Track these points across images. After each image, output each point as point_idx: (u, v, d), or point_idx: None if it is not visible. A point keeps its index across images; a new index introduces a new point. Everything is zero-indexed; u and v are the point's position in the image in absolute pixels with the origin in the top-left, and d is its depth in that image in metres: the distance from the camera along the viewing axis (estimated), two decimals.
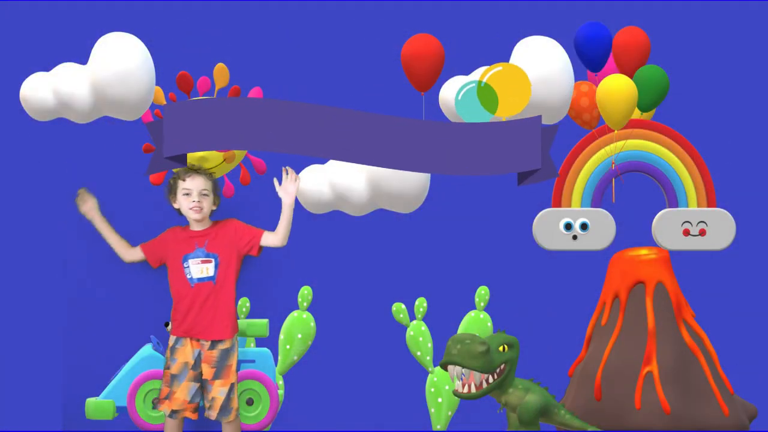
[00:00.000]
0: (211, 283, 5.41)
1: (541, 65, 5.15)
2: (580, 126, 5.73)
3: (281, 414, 5.83)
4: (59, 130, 5.56)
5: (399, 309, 5.88)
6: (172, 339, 5.46)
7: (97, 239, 6.10)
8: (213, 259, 5.43)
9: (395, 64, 5.37)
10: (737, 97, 6.36)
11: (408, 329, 5.88)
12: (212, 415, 5.40)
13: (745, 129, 6.37)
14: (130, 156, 5.66)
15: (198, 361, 5.38)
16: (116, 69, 5.05)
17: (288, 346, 5.89)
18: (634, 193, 5.80)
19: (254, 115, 5.02)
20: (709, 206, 5.71)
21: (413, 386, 5.95)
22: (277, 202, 5.62)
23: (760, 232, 6.27)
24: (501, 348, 5.14)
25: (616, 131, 5.58)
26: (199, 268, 5.42)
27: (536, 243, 5.73)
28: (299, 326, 5.89)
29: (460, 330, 5.91)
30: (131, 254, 5.59)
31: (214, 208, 5.49)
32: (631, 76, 5.48)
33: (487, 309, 5.93)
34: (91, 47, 5.13)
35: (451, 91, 5.27)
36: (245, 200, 5.78)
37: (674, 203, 5.72)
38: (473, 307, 5.93)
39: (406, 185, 5.41)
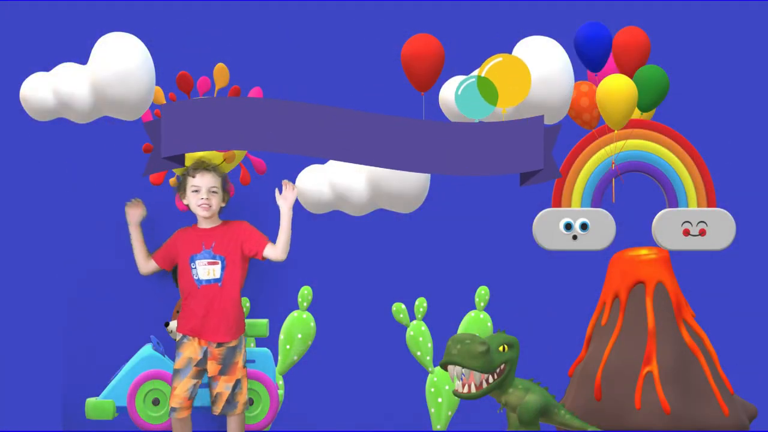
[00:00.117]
0: (217, 285, 5.40)
1: (541, 65, 5.15)
2: (580, 126, 5.73)
3: (281, 414, 5.83)
4: (59, 130, 5.56)
5: (399, 309, 5.88)
6: (178, 334, 5.45)
7: (97, 239, 6.11)
8: (220, 261, 5.42)
9: (395, 64, 5.37)
10: (737, 97, 6.36)
11: (408, 329, 5.88)
12: (216, 410, 5.41)
13: (745, 129, 6.38)
14: (130, 156, 5.67)
15: (204, 358, 5.37)
16: (116, 69, 5.04)
17: (288, 346, 5.89)
18: (634, 193, 5.80)
19: (254, 115, 5.02)
20: (709, 206, 5.71)
21: (413, 386, 5.95)
22: (276, 202, 5.63)
23: (760, 232, 6.27)
24: (501, 348, 5.14)
25: (616, 131, 5.58)
26: (205, 270, 5.41)
27: (536, 243, 5.73)
28: (299, 326, 5.89)
29: (460, 330, 5.91)
30: (148, 267, 5.60)
31: (223, 205, 5.50)
32: (631, 76, 5.48)
33: (487, 309, 5.93)
34: (91, 47, 5.13)
35: (451, 91, 5.27)
36: (245, 200, 5.79)
37: (674, 203, 5.72)
38: (473, 307, 5.93)
39: (406, 185, 5.41)
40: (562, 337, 6.05)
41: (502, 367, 5.15)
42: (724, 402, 5.50)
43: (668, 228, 5.69)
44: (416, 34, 5.37)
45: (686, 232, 5.68)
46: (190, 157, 5.40)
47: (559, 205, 5.74)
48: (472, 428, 5.98)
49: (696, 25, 6.35)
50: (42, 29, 5.99)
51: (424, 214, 5.67)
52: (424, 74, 5.33)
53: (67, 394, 5.94)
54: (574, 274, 6.13)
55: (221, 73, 5.51)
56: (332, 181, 5.47)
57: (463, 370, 5.07)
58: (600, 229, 5.69)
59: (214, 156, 5.50)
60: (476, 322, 5.90)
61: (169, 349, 5.73)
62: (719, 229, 5.68)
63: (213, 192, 5.41)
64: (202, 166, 5.39)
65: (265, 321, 5.91)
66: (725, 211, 5.69)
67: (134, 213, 5.62)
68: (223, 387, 5.39)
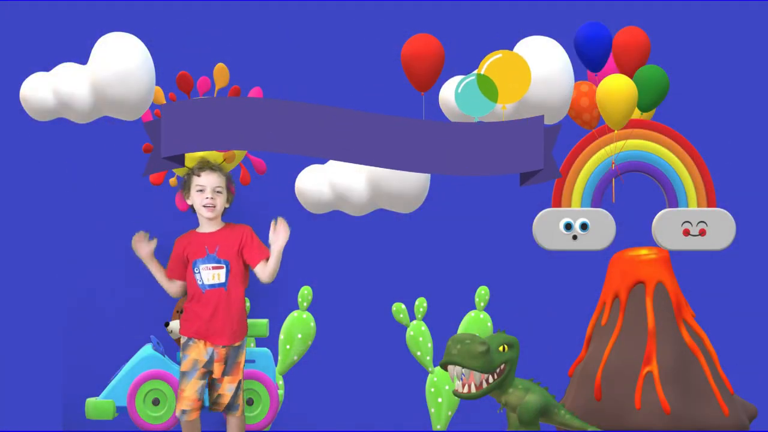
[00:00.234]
0: (222, 290, 5.36)
1: (541, 65, 5.15)
2: (580, 126, 5.73)
3: (281, 414, 5.83)
4: (59, 130, 5.56)
5: (399, 309, 5.87)
6: (183, 337, 5.41)
7: (97, 239, 6.11)
8: (224, 266, 5.38)
9: (395, 64, 5.37)
10: (737, 97, 6.36)
11: (408, 329, 5.87)
12: (218, 408, 5.39)
13: (745, 129, 6.38)
14: (130, 156, 5.67)
15: (211, 360, 5.35)
16: (116, 69, 5.04)
17: (288, 346, 5.89)
18: (634, 193, 5.80)
19: (254, 115, 5.02)
20: (709, 206, 5.71)
21: (413, 386, 5.95)
22: (277, 202, 5.63)
23: (760, 232, 6.27)
24: (501, 348, 5.14)
25: (616, 131, 5.58)
26: (210, 274, 5.37)
27: (536, 243, 5.73)
28: (299, 326, 5.89)
29: (460, 330, 5.90)
30: (175, 287, 5.49)
31: (227, 206, 5.46)
32: (631, 76, 5.48)
33: (487, 309, 5.93)
34: (91, 47, 5.13)
35: (451, 91, 5.27)
36: (245, 200, 5.78)
37: (674, 203, 5.72)
38: (473, 307, 5.93)
39: (406, 185, 5.41)
40: (562, 337, 6.05)
41: (502, 367, 5.15)
42: (724, 402, 5.50)
43: (668, 228, 5.69)
44: (416, 34, 5.37)
45: (686, 232, 5.68)
46: (190, 157, 5.39)
47: (559, 205, 5.74)
48: (472, 428, 5.98)
49: (696, 25, 6.35)
50: (42, 29, 5.99)
51: (424, 214, 5.67)
52: (424, 74, 5.33)
53: (67, 394, 5.94)
54: (574, 274, 6.14)
55: (221, 73, 5.51)
56: (332, 181, 5.47)
57: (463, 370, 5.07)
58: (600, 229, 5.69)
59: (214, 156, 5.50)
60: (476, 322, 5.90)
61: (169, 349, 5.73)
62: (719, 229, 5.68)
63: (218, 192, 5.38)
64: (207, 166, 5.37)
65: (265, 321, 5.91)
66: (725, 211, 5.69)
67: (142, 247, 5.52)
68: (226, 388, 5.37)
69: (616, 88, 5.38)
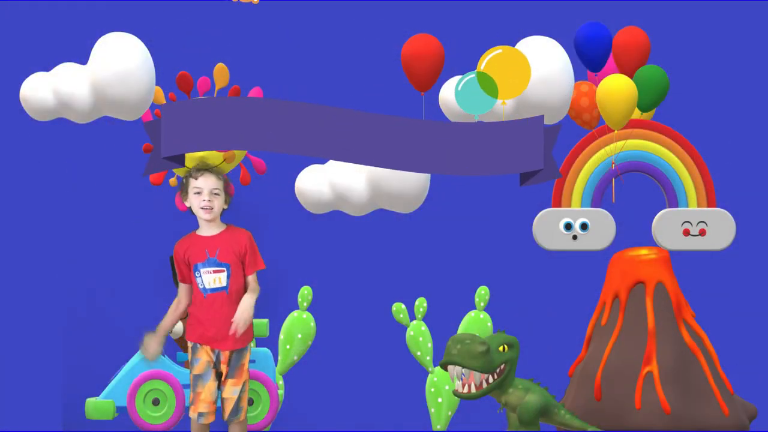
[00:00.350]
0: (224, 293, 5.32)
1: (541, 65, 5.15)
2: (580, 126, 5.73)
3: (281, 414, 5.82)
4: (59, 130, 5.56)
5: (399, 309, 5.87)
6: (189, 343, 5.38)
7: (98, 239, 6.11)
8: (225, 269, 5.34)
9: (395, 64, 5.37)
10: (737, 97, 6.37)
11: (408, 329, 5.87)
12: (223, 415, 5.37)
13: (745, 129, 6.39)
14: (130, 156, 5.66)
15: (218, 361, 5.33)
16: (116, 69, 5.04)
17: (288, 346, 5.89)
18: (634, 193, 5.80)
19: (254, 115, 5.02)
20: (709, 206, 5.71)
21: (413, 386, 5.95)
22: (276, 202, 5.63)
23: (760, 232, 6.28)
24: (501, 348, 5.14)
25: (616, 131, 5.58)
26: (211, 278, 5.33)
27: (536, 243, 5.73)
28: (299, 326, 5.89)
29: (460, 330, 5.91)
30: (183, 292, 5.42)
31: (225, 207, 5.43)
32: (631, 76, 5.48)
33: (487, 309, 5.93)
34: (91, 47, 5.13)
35: (451, 91, 5.27)
36: (245, 200, 5.78)
37: (674, 203, 5.72)
38: (473, 307, 5.93)
39: (406, 185, 5.41)
40: (562, 337, 6.05)
41: (502, 367, 5.15)
42: (724, 402, 5.51)
43: (668, 228, 5.69)
44: (416, 34, 5.37)
45: (686, 232, 5.68)
46: (190, 157, 5.39)
47: (559, 205, 5.75)
48: (472, 428, 5.98)
49: (696, 25, 6.36)
50: (42, 29, 6.00)
51: (424, 214, 5.67)
52: (424, 74, 5.33)
53: (67, 394, 5.94)
54: (574, 274, 6.14)
55: (221, 73, 5.51)
56: (332, 181, 5.47)
57: (463, 370, 5.07)
58: (600, 229, 5.70)
59: (214, 156, 5.49)
60: (476, 322, 5.90)
61: (169, 349, 5.73)
62: (719, 229, 5.68)
63: (215, 194, 5.36)
64: (204, 168, 5.36)
65: (265, 321, 5.91)
66: (725, 211, 5.69)
67: (154, 352, 5.44)
68: (230, 391, 5.34)
69: (616, 88, 5.38)
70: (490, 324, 5.91)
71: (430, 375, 5.88)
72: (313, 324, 5.91)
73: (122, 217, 6.13)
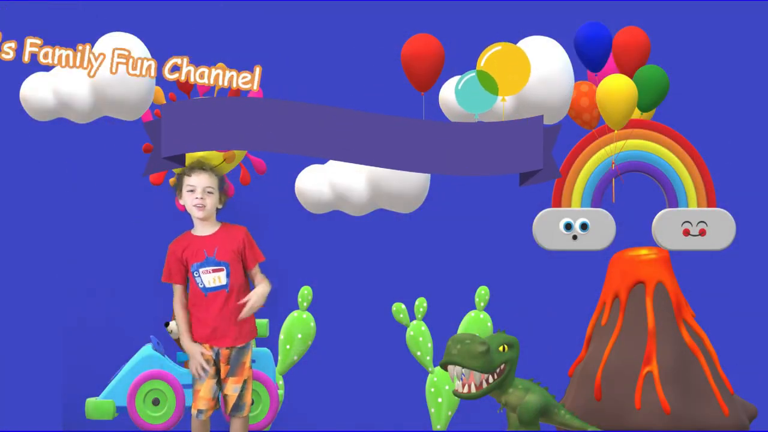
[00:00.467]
0: (225, 292, 5.32)
1: (541, 65, 5.15)
2: (580, 126, 5.73)
3: (281, 414, 5.83)
4: (59, 130, 5.56)
5: (399, 309, 5.87)
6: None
7: (98, 239, 6.11)
8: (224, 268, 5.34)
9: (395, 64, 5.38)
10: (737, 97, 6.37)
11: (408, 329, 5.87)
12: (225, 410, 5.38)
13: (745, 129, 6.38)
14: (130, 156, 5.66)
15: (217, 359, 5.34)
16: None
17: (288, 346, 5.89)
18: (634, 193, 5.80)
19: (254, 115, 5.02)
20: (709, 206, 5.71)
21: (413, 386, 5.95)
22: (276, 202, 5.63)
23: (760, 232, 6.28)
24: (501, 348, 5.13)
25: (616, 131, 5.58)
26: (210, 278, 5.33)
27: (536, 243, 5.73)
28: (299, 326, 5.89)
29: (460, 330, 5.91)
30: (182, 296, 5.39)
31: (220, 206, 5.43)
32: (631, 76, 5.48)
33: (487, 309, 5.93)
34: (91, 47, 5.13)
35: (451, 91, 5.27)
36: (245, 200, 5.79)
37: (674, 203, 5.72)
38: (473, 307, 5.93)
39: (406, 185, 5.41)
40: (562, 337, 6.05)
41: (502, 367, 5.15)
42: (724, 402, 5.50)
43: (668, 228, 5.69)
44: (416, 34, 5.37)
45: (686, 232, 5.68)
46: (191, 157, 5.39)
47: (559, 205, 5.74)
48: (472, 428, 5.98)
49: (696, 25, 6.36)
50: (42, 29, 5.99)
51: (424, 214, 5.67)
52: (424, 74, 5.33)
53: (67, 394, 5.94)
54: (574, 274, 6.14)
55: None
56: (332, 181, 5.47)
57: (463, 370, 5.07)
58: (600, 229, 5.69)
59: (214, 156, 5.49)
60: (476, 322, 5.90)
61: (169, 349, 5.73)
62: (719, 229, 5.68)
63: (209, 192, 5.35)
64: (198, 166, 5.36)
65: (265, 321, 5.91)
66: (725, 211, 5.69)
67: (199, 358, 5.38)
68: (231, 389, 5.35)
69: (616, 88, 5.38)
70: (490, 324, 5.91)
71: (430, 375, 5.88)
72: (313, 324, 5.91)
73: (122, 217, 6.13)
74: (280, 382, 5.88)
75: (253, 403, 5.68)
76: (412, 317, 5.89)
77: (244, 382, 5.36)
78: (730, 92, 6.35)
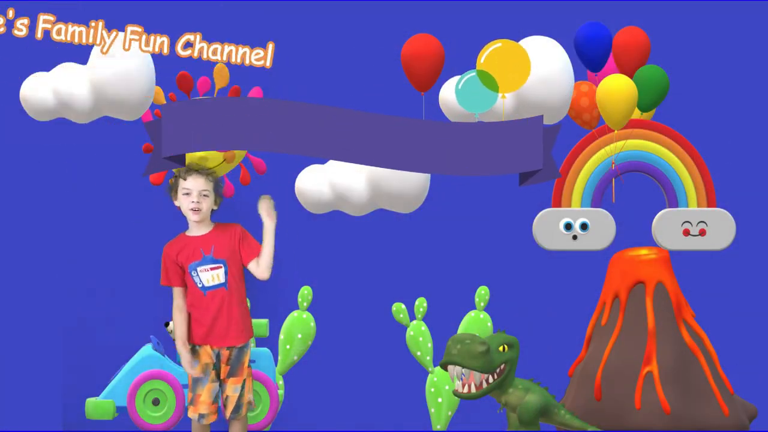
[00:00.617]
0: (224, 290, 5.32)
1: (541, 65, 5.15)
2: (580, 126, 5.73)
3: (281, 414, 5.83)
4: (59, 130, 5.56)
5: (399, 309, 5.88)
6: (188, 345, 5.36)
7: (98, 239, 6.11)
8: (222, 265, 5.33)
9: (395, 64, 5.37)
10: (737, 97, 6.37)
11: (408, 329, 5.88)
12: (226, 414, 5.37)
13: (745, 129, 6.38)
14: (130, 156, 5.66)
15: (218, 361, 5.32)
16: (116, 69, 5.05)
17: (288, 346, 5.89)
18: (634, 193, 5.80)
19: (254, 115, 5.02)
20: (709, 206, 5.71)
21: (413, 386, 5.95)
22: (277, 202, 5.62)
23: (760, 232, 6.28)
24: (501, 348, 5.14)
25: (616, 131, 5.58)
26: (209, 276, 5.33)
27: (536, 243, 5.73)
28: (299, 326, 5.89)
29: (460, 330, 5.91)
30: (181, 300, 5.35)
31: (215, 208, 5.43)
32: (631, 76, 5.48)
33: (487, 309, 5.93)
34: (91, 47, 5.13)
35: (451, 91, 5.27)
36: (245, 200, 5.78)
37: (674, 203, 5.72)
38: (473, 307, 5.93)
39: (406, 185, 5.41)
40: (562, 337, 6.05)
41: (502, 367, 5.15)
42: (724, 402, 5.51)
43: (668, 228, 5.69)
44: (416, 34, 5.37)
45: (686, 232, 5.68)
46: (191, 157, 5.39)
47: (559, 205, 5.75)
48: (472, 428, 5.98)
49: (696, 25, 6.36)
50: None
51: (424, 214, 5.67)
52: (424, 74, 5.33)
53: (67, 394, 5.94)
54: (574, 274, 6.14)
55: (221, 73, 5.51)
56: (332, 181, 5.47)
57: (463, 370, 5.07)
58: (600, 229, 5.69)
59: (214, 156, 5.49)
60: (476, 322, 5.90)
61: (169, 349, 5.73)
62: (719, 229, 5.68)
63: (204, 195, 5.34)
64: (193, 169, 5.35)
65: (265, 321, 5.91)
66: (725, 211, 5.69)
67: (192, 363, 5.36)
68: (231, 390, 5.34)
69: (616, 88, 5.38)
70: (490, 324, 5.91)
71: (430, 375, 5.88)
72: (313, 324, 5.91)
73: (122, 217, 6.13)
74: (280, 382, 5.88)
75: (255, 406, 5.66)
76: (412, 317, 5.89)
77: (244, 382, 5.36)
78: (730, 92, 6.35)
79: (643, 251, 5.66)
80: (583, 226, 5.70)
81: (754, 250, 6.27)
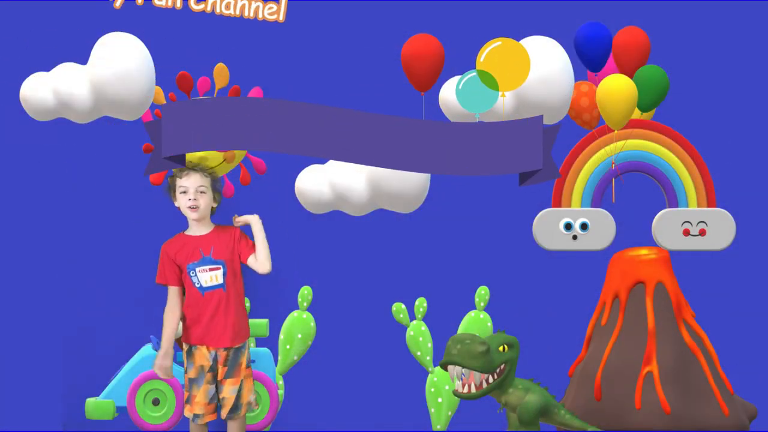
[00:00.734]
0: (222, 290, 5.32)
1: (541, 65, 5.15)
2: (580, 126, 5.73)
3: (281, 414, 5.83)
4: (59, 130, 5.56)
5: (399, 309, 5.88)
6: (185, 345, 5.37)
7: (98, 239, 6.11)
8: (221, 266, 5.33)
9: (395, 64, 5.38)
10: (737, 97, 6.37)
11: (408, 329, 5.88)
12: (222, 414, 5.37)
13: (745, 129, 6.39)
14: (130, 156, 5.66)
15: (215, 363, 5.32)
16: (116, 69, 5.05)
17: (288, 346, 5.89)
18: (634, 193, 5.80)
19: (254, 115, 5.02)
20: (709, 206, 5.71)
21: (413, 386, 5.95)
22: (277, 203, 5.63)
23: (760, 232, 6.28)
24: (501, 348, 5.14)
25: (616, 131, 5.58)
26: (207, 276, 5.33)
27: (536, 243, 5.73)
28: (299, 326, 5.89)
29: (460, 330, 5.91)
30: (175, 300, 5.34)
31: (215, 205, 5.42)
32: (631, 76, 5.48)
33: (487, 309, 5.93)
34: (91, 47, 5.13)
35: (451, 91, 5.27)
36: (245, 200, 5.79)
37: (674, 203, 5.72)
38: (473, 307, 5.93)
39: (406, 185, 5.41)
40: (562, 337, 6.05)
41: (502, 367, 5.15)
42: (724, 402, 5.51)
43: (668, 228, 5.69)
44: (416, 34, 5.37)
45: (686, 232, 5.68)
46: (191, 157, 5.39)
47: (559, 205, 5.75)
48: (472, 428, 5.98)
49: (696, 25, 6.36)
50: (42, 29, 5.99)
51: (424, 214, 5.67)
52: (424, 74, 5.33)
53: (67, 394, 5.94)
54: (574, 274, 6.14)
55: (221, 73, 5.51)
56: (332, 181, 5.47)
57: (463, 370, 5.07)
58: (600, 229, 5.70)
59: (214, 156, 5.49)
60: (476, 322, 5.90)
61: None
62: (719, 229, 5.68)
63: (201, 192, 5.34)
64: (189, 167, 5.35)
65: (265, 321, 5.91)
66: (725, 211, 5.69)
67: (167, 369, 5.33)
68: (229, 391, 5.34)
69: (616, 88, 5.38)
70: (490, 324, 5.91)
71: (430, 375, 5.88)
72: (313, 324, 5.91)
73: (122, 217, 6.13)
74: (280, 382, 5.88)
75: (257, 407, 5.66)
76: (412, 317, 5.89)
77: (242, 382, 5.36)
78: (730, 92, 6.35)
79: (643, 251, 5.66)
80: (583, 226, 5.70)
81: (754, 250, 6.28)
